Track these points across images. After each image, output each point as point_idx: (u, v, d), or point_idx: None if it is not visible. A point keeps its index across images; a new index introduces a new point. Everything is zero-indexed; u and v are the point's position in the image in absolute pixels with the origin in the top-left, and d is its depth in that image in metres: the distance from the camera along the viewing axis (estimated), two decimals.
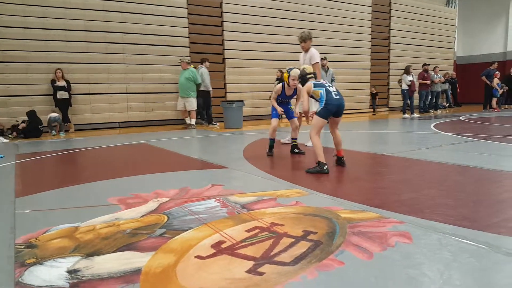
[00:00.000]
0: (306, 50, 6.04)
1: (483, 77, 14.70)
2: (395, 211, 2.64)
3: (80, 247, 2.15)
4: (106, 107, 10.46)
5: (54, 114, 9.23)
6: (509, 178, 3.65)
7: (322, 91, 4.22)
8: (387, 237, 2.18)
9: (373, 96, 15.03)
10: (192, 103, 10.11)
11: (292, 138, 5.59)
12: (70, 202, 3.17)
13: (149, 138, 7.81)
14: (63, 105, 9.55)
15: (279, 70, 11.76)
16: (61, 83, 9.45)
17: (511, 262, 1.83)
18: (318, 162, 4.13)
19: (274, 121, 5.53)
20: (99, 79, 10.25)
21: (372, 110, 15.12)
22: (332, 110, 4.20)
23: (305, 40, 6.00)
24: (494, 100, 14.67)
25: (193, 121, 10.20)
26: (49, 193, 3.49)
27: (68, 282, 1.74)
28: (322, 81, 4.51)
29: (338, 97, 4.22)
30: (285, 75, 5.23)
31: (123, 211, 2.82)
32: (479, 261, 1.84)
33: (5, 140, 8.08)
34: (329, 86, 4.35)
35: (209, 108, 10.91)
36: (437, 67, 15.03)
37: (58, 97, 9.42)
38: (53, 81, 9.44)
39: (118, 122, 10.71)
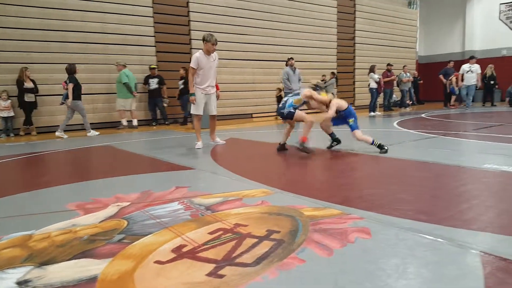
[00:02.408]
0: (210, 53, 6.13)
1: (440, 76, 15.27)
2: (356, 207, 2.69)
3: (33, 256, 2.07)
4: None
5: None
6: (466, 173, 3.78)
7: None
8: (347, 233, 2.21)
9: (278, 98, 12.87)
10: (125, 104, 10.26)
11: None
12: (25, 209, 3.04)
13: (113, 140, 7.63)
14: (29, 108, 9.19)
15: (182, 67, 11.07)
16: (29, 84, 9.04)
17: (462, 254, 1.90)
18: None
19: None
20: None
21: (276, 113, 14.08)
22: None
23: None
24: (453, 98, 15.18)
25: (124, 122, 10.37)
26: (2, 200, 3.34)
27: None
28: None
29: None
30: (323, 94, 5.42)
31: (81, 217, 2.73)
32: (434, 254, 1.89)
33: None
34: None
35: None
36: (406, 66, 15.44)
37: (26, 100, 9.02)
38: (20, 82, 8.95)
39: (82, 124, 10.39)
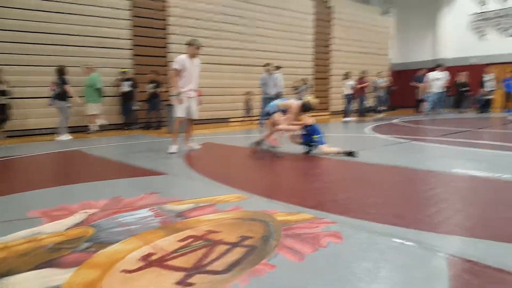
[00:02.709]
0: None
1: (415, 82, 15.66)
2: (329, 212, 2.69)
3: None
4: (42, 111, 9.85)
5: None
6: (435, 177, 3.85)
7: None
8: (319, 237, 2.20)
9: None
10: (92, 108, 9.86)
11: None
12: None
13: (84, 145, 7.44)
14: (3, 110, 8.83)
15: (152, 71, 10.88)
16: (1, 87, 8.67)
17: (430, 257, 1.92)
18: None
19: None
20: (36, 83, 9.65)
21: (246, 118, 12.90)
22: None
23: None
24: (424, 104, 15.54)
25: (94, 126, 10.04)
26: None
27: None
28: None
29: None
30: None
31: (47, 224, 2.62)
32: (404, 257, 1.91)
33: None
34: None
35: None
36: (381, 72, 15.71)
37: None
38: None
39: (51, 128, 10.11)
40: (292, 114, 5.66)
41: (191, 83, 6.11)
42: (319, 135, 5.54)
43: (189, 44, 6.01)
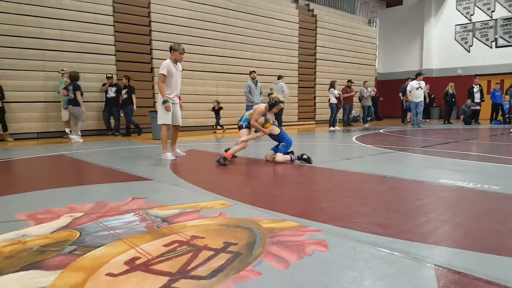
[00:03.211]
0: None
1: (400, 94, 15.89)
2: (314, 220, 2.71)
3: None
4: (23, 116, 9.73)
5: None
6: (421, 187, 3.91)
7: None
8: (305, 245, 2.22)
9: (216, 111, 12.36)
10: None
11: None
12: None
13: (68, 150, 7.36)
14: None
15: (124, 76, 10.76)
16: None
17: (418, 267, 1.94)
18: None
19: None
20: (15, 87, 9.52)
21: (214, 126, 12.68)
22: None
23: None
24: (408, 115, 15.79)
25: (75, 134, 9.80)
26: None
27: None
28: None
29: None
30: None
31: (32, 227, 2.60)
32: (390, 267, 1.93)
33: None
34: None
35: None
36: (366, 81, 15.87)
37: None
38: None
39: (37, 133, 10.00)
40: (256, 114, 5.74)
41: (176, 89, 6.11)
42: (284, 144, 5.67)
43: (173, 49, 5.97)
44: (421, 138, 9.51)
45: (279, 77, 12.21)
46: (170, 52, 6.00)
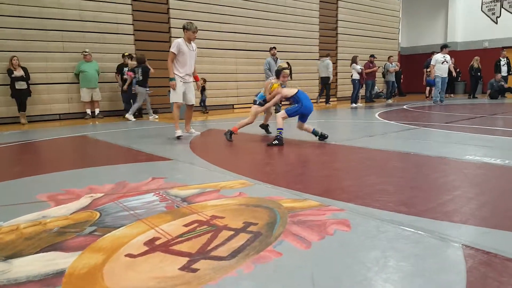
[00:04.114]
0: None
1: (424, 69, 15.39)
2: (336, 199, 2.64)
3: None
4: (46, 98, 9.86)
5: None
6: (446, 164, 3.77)
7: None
8: (326, 225, 2.16)
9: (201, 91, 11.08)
10: (99, 94, 10.28)
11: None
12: None
13: (90, 130, 7.44)
14: (22, 96, 9.02)
15: (127, 54, 10.44)
16: (19, 72, 8.88)
17: (444, 247, 1.86)
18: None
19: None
20: (39, 69, 9.63)
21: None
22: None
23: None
24: (433, 90, 15.35)
25: (98, 110, 10.39)
26: None
27: None
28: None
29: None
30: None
31: (52, 208, 2.62)
32: (414, 247, 1.85)
33: None
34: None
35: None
36: (391, 56, 15.42)
37: (17, 87, 8.86)
38: (9, 71, 8.83)
39: (59, 114, 10.14)
40: (267, 90, 5.65)
41: (187, 68, 6.06)
42: (297, 106, 5.27)
43: (185, 28, 5.94)
44: (446, 114, 9.22)
45: (326, 55, 12.19)
46: (183, 31, 5.99)
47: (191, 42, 6.06)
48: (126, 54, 10.44)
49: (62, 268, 1.74)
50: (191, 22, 6.03)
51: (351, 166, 3.88)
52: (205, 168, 3.87)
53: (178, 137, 5.96)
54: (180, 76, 5.98)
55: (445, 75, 12.71)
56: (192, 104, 6.37)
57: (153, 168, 3.96)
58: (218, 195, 2.84)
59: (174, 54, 5.88)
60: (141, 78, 9.55)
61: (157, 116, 10.08)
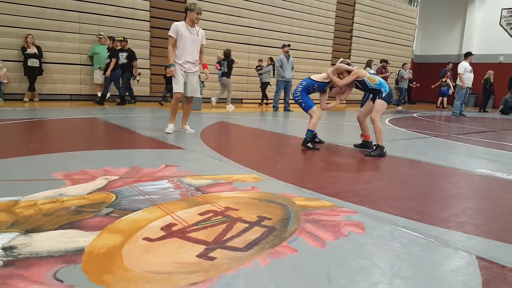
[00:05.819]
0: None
1: (442, 80, 15.29)
2: (348, 201, 2.66)
3: (19, 223, 1.99)
4: (58, 77, 9.91)
5: None
6: (458, 175, 3.78)
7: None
8: (340, 226, 2.18)
9: (168, 80, 10.90)
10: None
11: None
12: (11, 174, 2.94)
13: (102, 113, 7.49)
14: (32, 73, 9.09)
15: (109, 37, 10.07)
16: (32, 50, 8.97)
17: (457, 256, 1.88)
18: (378, 146, 4.57)
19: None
20: (53, 48, 9.68)
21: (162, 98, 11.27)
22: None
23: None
24: (444, 99, 15.29)
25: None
26: None
27: (2, 260, 1.59)
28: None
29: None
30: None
31: (69, 187, 2.65)
32: (428, 254, 1.87)
33: None
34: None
35: None
36: (406, 64, 15.37)
37: (29, 64, 8.93)
38: (23, 48, 8.94)
39: (70, 95, 10.19)
40: (334, 70, 4.78)
41: (188, 54, 5.33)
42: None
43: (188, 9, 5.27)
44: (456, 125, 9.20)
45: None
46: (186, 13, 5.34)
47: (195, 25, 5.39)
48: (121, 38, 9.91)
49: (81, 246, 1.77)
50: (194, 3, 5.38)
51: (361, 170, 3.89)
52: (217, 159, 3.89)
53: (167, 133, 5.39)
54: (179, 64, 5.32)
55: (469, 86, 11.75)
56: (192, 97, 5.64)
57: (166, 156, 3.99)
58: (231, 187, 2.87)
59: (173, 38, 5.25)
60: (226, 70, 10.55)
61: (233, 107, 10.72)
